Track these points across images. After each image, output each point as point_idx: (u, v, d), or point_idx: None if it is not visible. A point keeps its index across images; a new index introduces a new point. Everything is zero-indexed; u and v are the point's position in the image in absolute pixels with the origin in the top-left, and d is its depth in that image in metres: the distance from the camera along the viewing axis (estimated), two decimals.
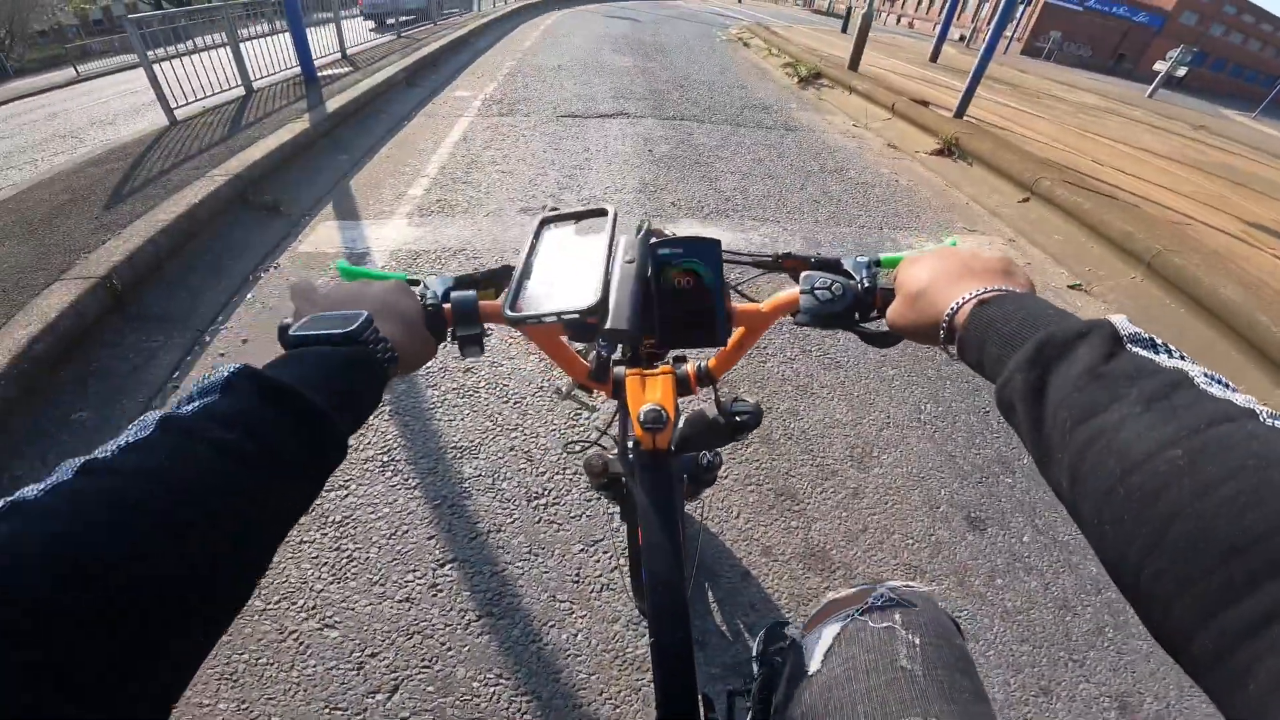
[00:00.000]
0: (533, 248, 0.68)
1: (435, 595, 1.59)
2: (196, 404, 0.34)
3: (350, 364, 0.44)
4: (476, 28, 10.39)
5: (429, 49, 7.86)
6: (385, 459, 1.96)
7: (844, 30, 16.23)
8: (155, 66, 4.64)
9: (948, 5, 11.77)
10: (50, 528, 0.25)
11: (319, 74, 6.15)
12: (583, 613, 1.57)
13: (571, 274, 0.64)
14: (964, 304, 0.46)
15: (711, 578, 1.68)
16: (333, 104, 5.10)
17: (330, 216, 3.53)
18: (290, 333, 0.46)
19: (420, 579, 1.63)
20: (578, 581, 1.64)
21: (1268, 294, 3.18)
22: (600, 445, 1.08)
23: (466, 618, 1.55)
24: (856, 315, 0.64)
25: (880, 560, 1.78)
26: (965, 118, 6.26)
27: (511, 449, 2.02)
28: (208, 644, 0.29)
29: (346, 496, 1.83)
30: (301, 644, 1.48)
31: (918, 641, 0.61)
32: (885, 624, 0.63)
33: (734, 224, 3.68)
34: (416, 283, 0.66)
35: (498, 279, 0.72)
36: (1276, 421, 0.26)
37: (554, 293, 0.61)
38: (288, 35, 5.91)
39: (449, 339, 0.65)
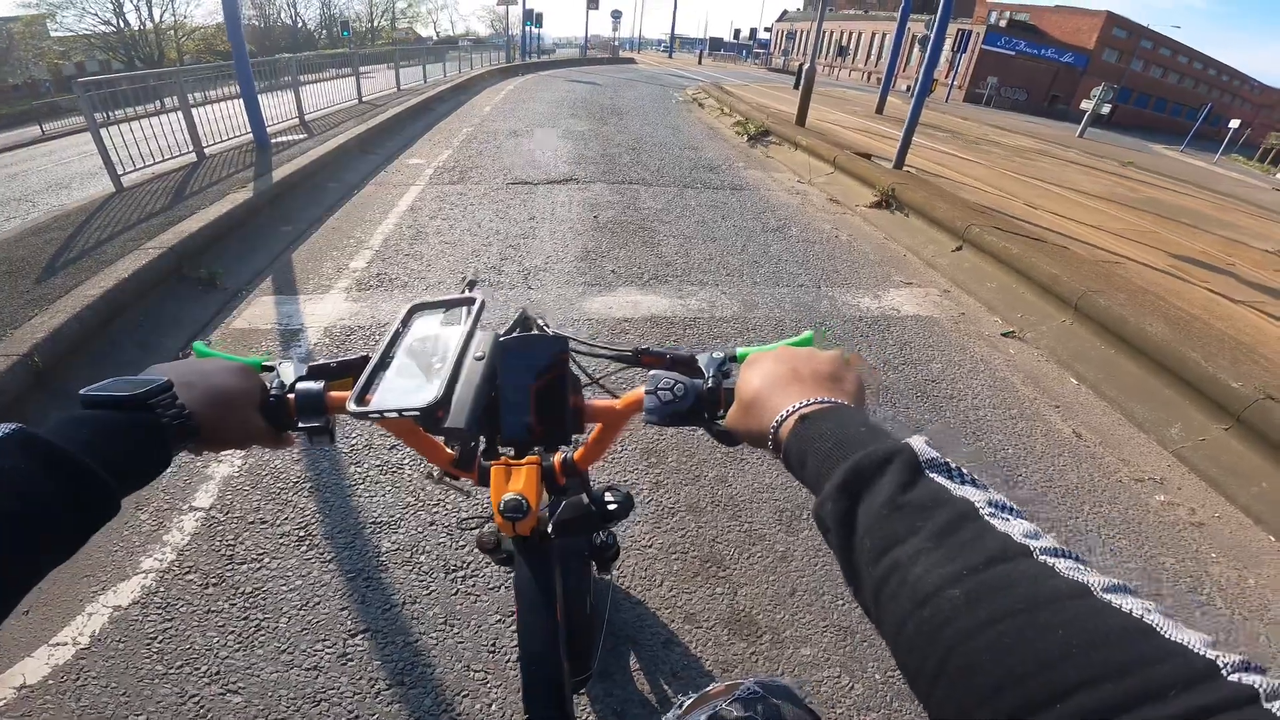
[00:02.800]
0: (396, 336, 0.67)
1: (345, 664, 1.56)
2: None
3: (132, 429, 0.45)
4: (438, 93, 10.70)
5: (388, 114, 8.05)
6: (301, 534, 1.93)
7: (796, 86, 17.12)
8: (106, 130, 4.66)
9: (889, 58, 12.52)
10: None
11: (272, 140, 6.22)
12: (497, 683, 1.54)
13: (424, 367, 0.63)
14: (788, 417, 0.47)
15: (634, 645, 1.65)
16: (280, 172, 5.14)
17: (268, 291, 3.50)
18: (80, 392, 0.46)
19: (330, 648, 1.60)
20: (493, 652, 1.62)
21: (1197, 328, 3.29)
22: (492, 521, 1.07)
23: (376, 686, 1.52)
24: (705, 414, 0.64)
25: (809, 623, 1.76)
26: (904, 168, 6.55)
27: (432, 523, 1.99)
28: None
29: (259, 569, 1.80)
30: (203, 708, 1.46)
31: None
32: (748, 714, 0.65)
33: (672, 289, 3.74)
34: (271, 368, 0.66)
35: (356, 369, 0.69)
36: (1048, 558, 0.28)
37: (403, 387, 0.61)
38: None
39: (295, 428, 0.64)
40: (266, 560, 1.83)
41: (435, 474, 1.04)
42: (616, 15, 41.91)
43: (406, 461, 2.24)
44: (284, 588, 1.75)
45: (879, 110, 13.17)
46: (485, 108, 10.43)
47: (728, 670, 1.61)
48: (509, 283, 3.66)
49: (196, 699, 1.47)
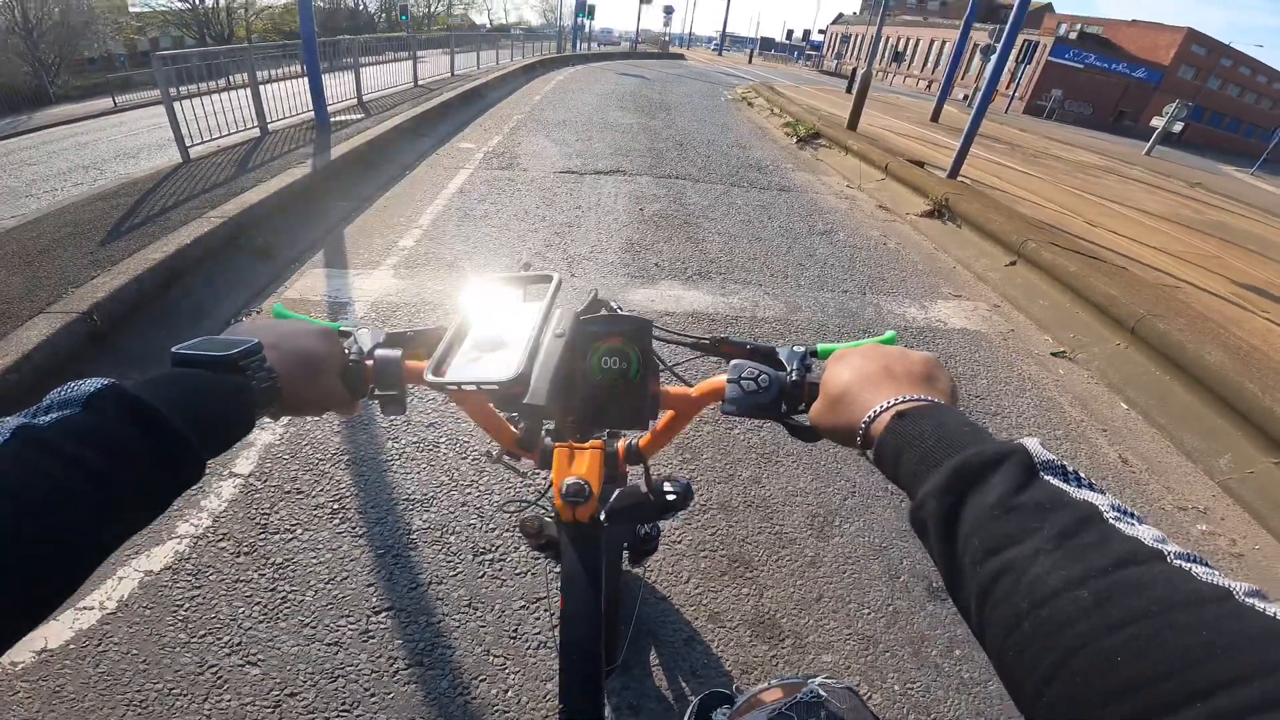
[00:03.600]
0: (470, 310, 0.68)
1: (366, 641, 1.57)
2: (55, 415, 0.34)
3: (222, 389, 0.44)
4: (490, 80, 10.83)
5: (441, 98, 8.19)
6: (335, 506, 1.95)
7: (849, 90, 16.78)
8: (178, 104, 4.83)
9: (949, 66, 12.16)
10: None
11: (331, 119, 6.39)
12: (516, 669, 1.54)
13: (501, 342, 0.63)
14: (882, 413, 0.46)
15: (655, 640, 1.64)
16: (337, 150, 5.28)
17: (319, 264, 3.60)
18: (172, 349, 0.46)
19: (353, 624, 1.61)
20: (515, 638, 1.61)
21: (1257, 359, 3.13)
22: (540, 506, 1.07)
23: (395, 665, 1.52)
24: (784, 407, 0.63)
25: (832, 629, 1.74)
26: (959, 178, 6.36)
27: (464, 504, 2.00)
28: (16, 637, 0.29)
29: (291, 540, 1.83)
30: (220, 678, 1.47)
31: None
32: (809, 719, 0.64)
33: (715, 286, 3.71)
34: (348, 334, 0.65)
35: (431, 340, 0.70)
36: (1182, 562, 0.27)
37: (480, 360, 0.61)
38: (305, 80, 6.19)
39: (369, 395, 0.64)
40: (299, 531, 1.85)
41: (495, 452, 1.04)
42: (669, 11, 41.77)
43: (443, 440, 2.27)
44: (314, 560, 1.77)
45: (934, 118, 12.82)
46: (536, 96, 10.52)
47: (747, 671, 1.60)
48: (553, 270, 3.69)
49: (215, 669, 1.48)
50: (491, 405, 0.81)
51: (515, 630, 1.63)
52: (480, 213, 4.50)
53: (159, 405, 0.37)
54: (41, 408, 0.35)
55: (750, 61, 37.81)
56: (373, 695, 1.45)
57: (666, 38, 47.07)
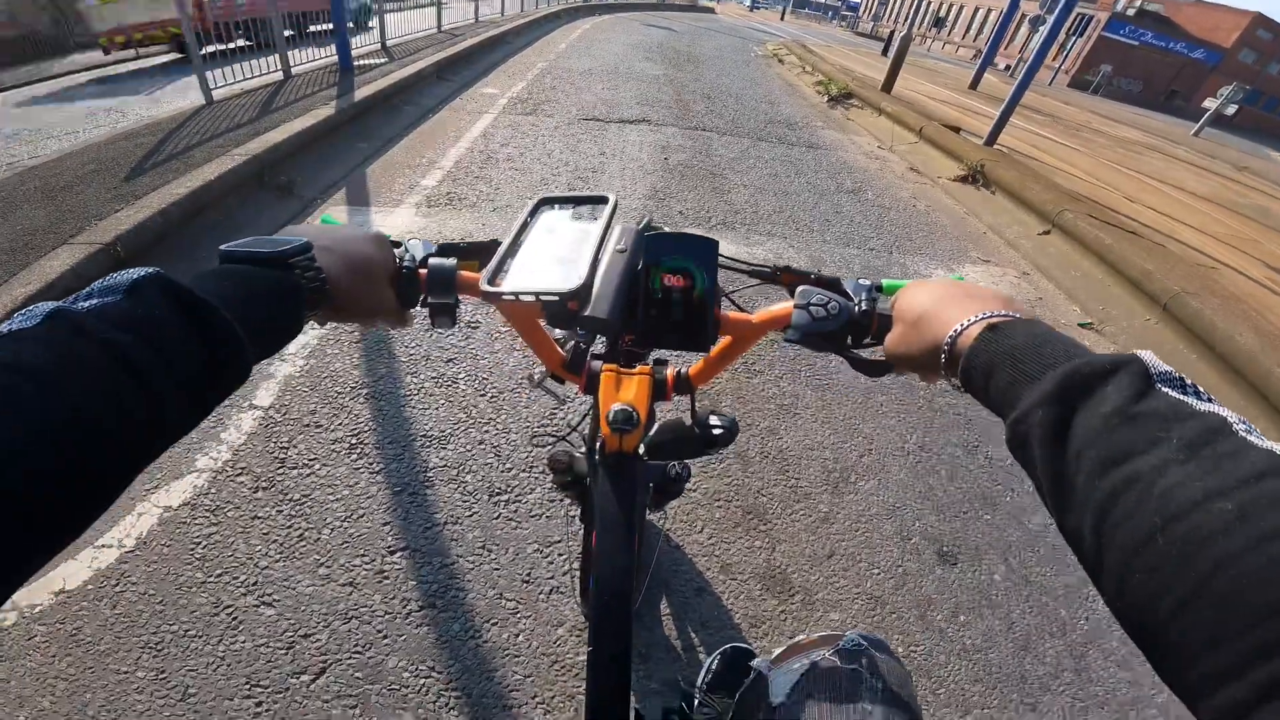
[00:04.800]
0: (524, 226, 0.66)
1: (380, 582, 1.58)
2: (94, 301, 0.32)
3: (271, 287, 0.42)
4: (514, 28, 10.53)
5: (465, 44, 7.99)
6: (353, 441, 1.96)
7: (884, 53, 16.11)
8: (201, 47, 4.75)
9: (994, 34, 11.62)
10: None
11: (355, 63, 6.27)
12: (528, 614, 1.54)
13: (559, 257, 0.62)
14: (969, 326, 0.43)
15: (666, 590, 1.64)
16: (361, 93, 5.19)
17: (340, 201, 3.59)
18: (220, 247, 0.44)
19: (368, 564, 1.62)
20: (528, 582, 1.61)
21: None
22: (568, 441, 1.06)
23: (408, 607, 1.53)
24: (850, 339, 0.61)
25: (842, 588, 1.74)
26: (996, 146, 6.15)
27: (481, 442, 2.01)
28: (47, 556, 0.27)
29: (309, 475, 1.83)
30: (234, 619, 1.48)
31: (879, 686, 0.63)
32: (852, 666, 0.65)
33: (739, 236, 3.65)
34: (399, 244, 0.64)
35: (482, 252, 0.69)
36: None
37: (537, 273, 0.60)
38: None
39: (420, 304, 0.63)
40: (317, 466, 1.85)
41: (536, 376, 1.02)
42: None
43: (461, 376, 2.27)
44: (330, 497, 1.76)
45: (973, 86, 12.30)
46: (560, 44, 10.22)
47: (756, 625, 1.60)
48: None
49: (230, 610, 1.47)
50: (542, 323, 0.78)
51: (529, 574, 1.63)
52: (503, 155, 4.44)
53: (207, 296, 0.35)
54: (82, 294, 0.33)
55: (782, 19, 36.31)
56: (385, 637, 1.46)
57: None
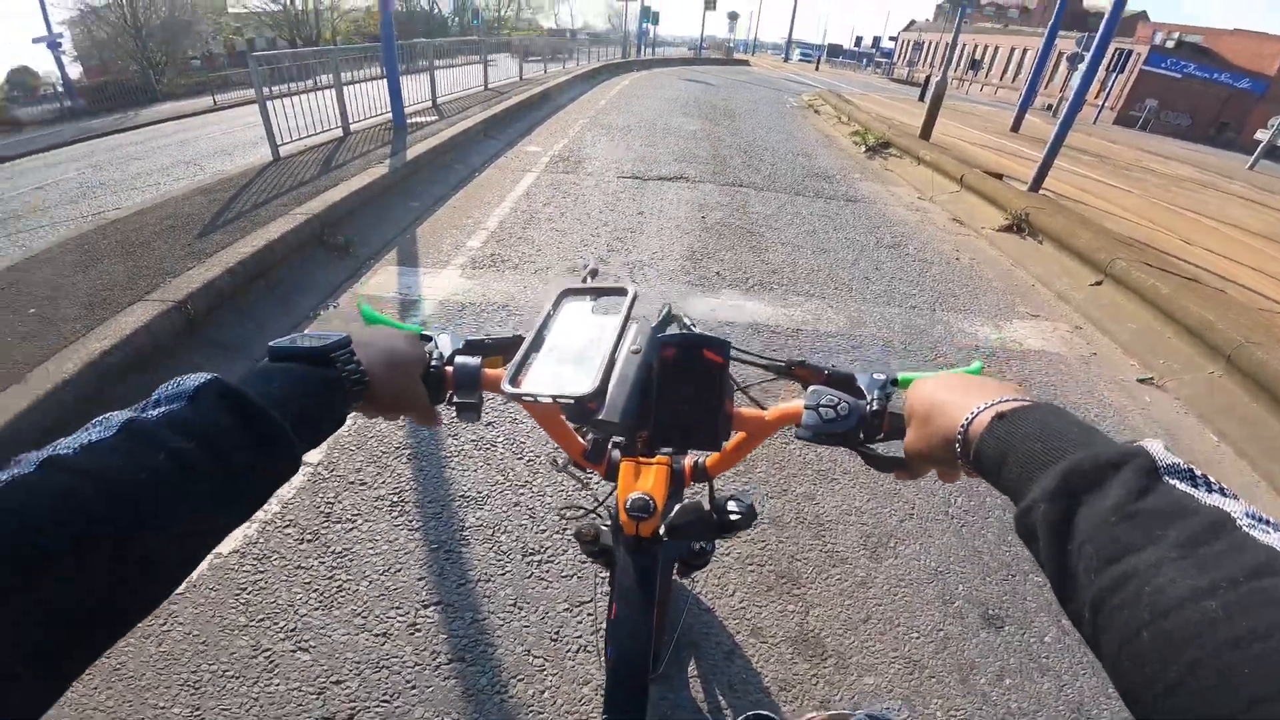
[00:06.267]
0: (547, 320, 0.68)
1: (412, 634, 1.61)
2: (161, 410, 0.35)
3: (316, 383, 0.45)
4: (556, 85, 11.05)
5: (510, 102, 8.42)
6: (395, 499, 2.02)
7: (921, 98, 16.24)
8: (270, 103, 5.14)
9: (1031, 74, 11.57)
10: (3, 521, 0.26)
11: (408, 120, 6.67)
12: (554, 671, 1.55)
13: (577, 355, 0.63)
14: (979, 414, 0.44)
15: (695, 651, 1.63)
16: (412, 151, 5.50)
17: (392, 262, 3.77)
18: (270, 344, 0.48)
19: (402, 616, 1.65)
20: (555, 640, 1.62)
21: None
22: (596, 514, 1.08)
23: (438, 659, 1.55)
24: (862, 435, 0.62)
25: (878, 652, 1.69)
26: (1041, 191, 6.04)
27: (517, 504, 2.04)
28: (101, 650, 0.30)
29: (351, 530, 1.90)
30: (271, 663, 1.53)
31: None
32: None
33: (776, 298, 3.65)
34: (429, 339, 0.66)
35: (507, 348, 0.72)
36: None
37: (558, 372, 0.61)
38: (385, 82, 6.48)
39: (447, 401, 0.65)
40: (360, 522, 1.92)
41: (560, 462, 1.05)
42: (733, 17, 41.57)
43: (500, 440, 2.31)
44: (371, 551, 1.82)
45: (1014, 128, 12.22)
46: (601, 101, 10.66)
47: (786, 688, 1.56)
48: (614, 276, 3.71)
49: (268, 653, 1.53)
50: (563, 416, 0.80)
51: (557, 633, 1.64)
52: (545, 216, 4.59)
53: (258, 399, 0.39)
54: (150, 401, 0.37)
55: (817, 69, 37.13)
56: (414, 687, 1.49)
57: (730, 44, 46.82)
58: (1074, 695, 1.61)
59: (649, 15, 27.67)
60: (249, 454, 0.37)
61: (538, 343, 0.65)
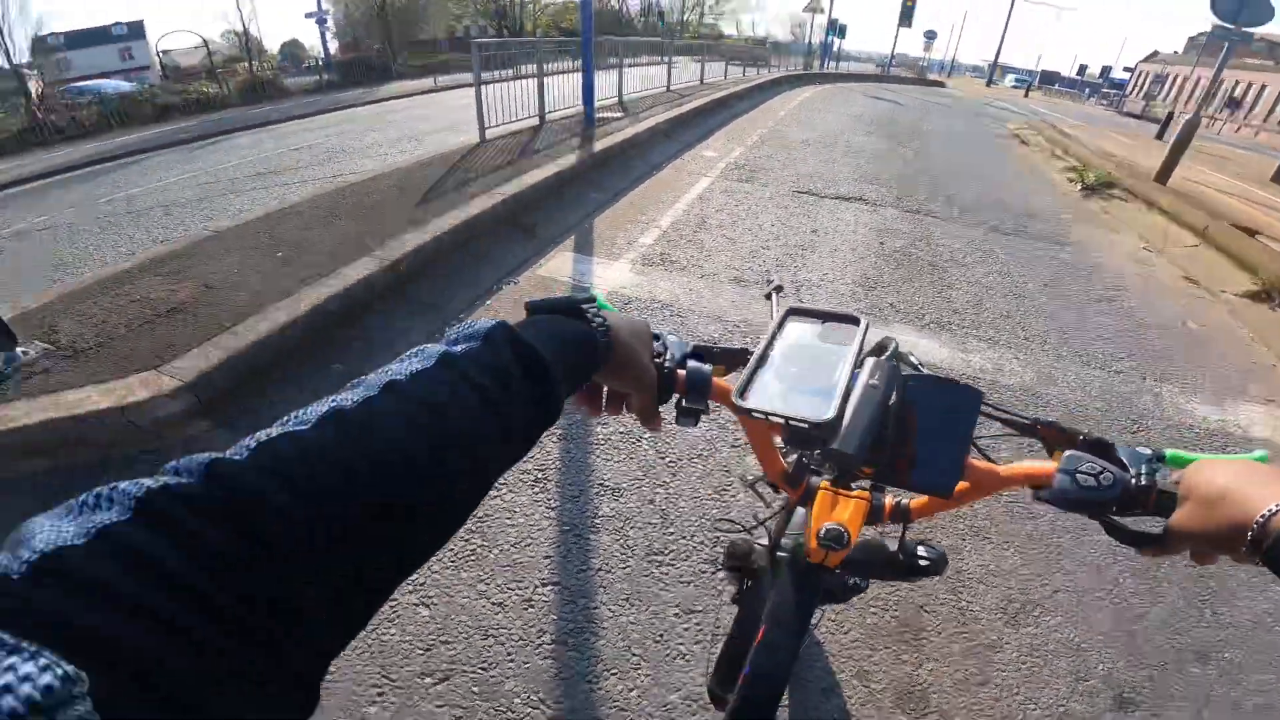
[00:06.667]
0: (773, 337, 0.69)
1: (525, 609, 1.68)
2: (463, 347, 0.39)
3: (575, 335, 0.48)
4: (735, 92, 11.03)
5: (690, 105, 8.57)
6: (539, 475, 2.13)
7: (1160, 136, 13.97)
8: (482, 89, 5.67)
9: None
10: (362, 439, 0.31)
11: (596, 117, 7.04)
12: (649, 671, 1.55)
13: (808, 378, 0.64)
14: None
15: (791, 682, 1.54)
16: (599, 144, 5.82)
17: (570, 248, 3.99)
18: (527, 301, 0.52)
19: (520, 590, 1.73)
20: (659, 642, 1.62)
21: None
22: (750, 534, 1.07)
23: (542, 638, 1.60)
24: (1115, 508, 0.57)
25: (986, 716, 1.54)
26: None
27: (651, 502, 2.05)
28: (410, 570, 0.34)
29: (495, 497, 2.01)
30: (395, 613, 1.63)
31: None
32: None
33: (955, 340, 3.33)
34: (658, 337, 0.67)
35: (731, 359, 0.74)
36: None
37: (787, 393, 0.62)
38: (578, 76, 6.88)
39: (670, 402, 0.65)
40: (504, 490, 2.02)
41: (749, 478, 1.07)
42: (930, 35, 38.65)
43: (645, 436, 2.33)
44: (507, 522, 1.91)
45: (1278, 178, 10.11)
46: (780, 112, 10.47)
47: None
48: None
49: (393, 603, 1.59)
50: (781, 437, 0.80)
51: (662, 635, 1.63)
52: (716, 222, 4.60)
53: (539, 347, 0.41)
54: (451, 338, 0.40)
55: (1026, 95, 33.36)
56: (512, 660, 1.54)
57: (924, 63, 43.69)
58: None
59: (836, 29, 26.61)
60: (528, 394, 0.40)
61: (765, 359, 0.66)
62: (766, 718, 0.63)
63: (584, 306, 0.51)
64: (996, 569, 1.96)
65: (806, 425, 0.58)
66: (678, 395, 0.66)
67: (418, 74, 20.83)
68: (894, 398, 0.64)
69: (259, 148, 8.90)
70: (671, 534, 1.94)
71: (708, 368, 0.66)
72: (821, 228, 4.69)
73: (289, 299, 2.87)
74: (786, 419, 0.58)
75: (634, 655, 1.59)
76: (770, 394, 0.62)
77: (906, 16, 29.60)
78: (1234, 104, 35.72)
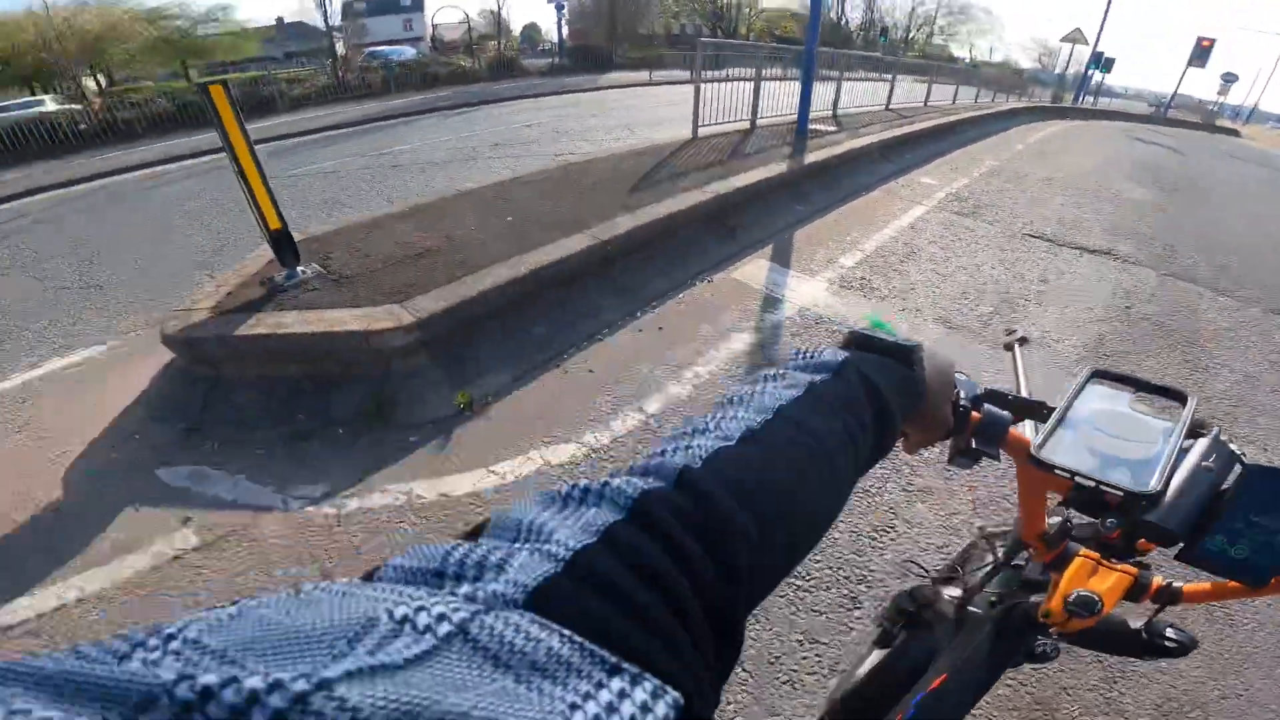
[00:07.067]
0: (1076, 395, 0.67)
1: None
2: (820, 377, 0.40)
3: (901, 380, 0.47)
4: (966, 118, 10.08)
5: (911, 128, 8.00)
6: None
7: None
8: (700, 86, 5.81)
9: None
10: (778, 463, 0.32)
11: (810, 127, 6.87)
12: (753, 689, 1.53)
13: (1120, 445, 0.61)
14: None
15: None
16: (810, 157, 5.66)
17: (766, 256, 3.97)
18: (850, 330, 0.51)
19: None
20: (772, 664, 1.59)
21: None
22: (935, 581, 1.03)
23: None
24: None
25: None
26: None
27: (854, 531, 2.01)
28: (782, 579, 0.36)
29: None
30: None
31: None
32: None
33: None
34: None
35: (1026, 409, 0.71)
36: None
37: (1095, 455, 0.60)
38: (795, 84, 6.74)
39: (962, 447, 0.64)
40: None
41: (986, 529, 0.99)
42: (1229, 79, 31.73)
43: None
44: None
45: None
46: (1017, 145, 9.39)
47: None
48: (993, 338, 3.27)
49: None
50: (1055, 495, 0.75)
51: (778, 658, 1.60)
52: (927, 254, 4.28)
53: (884, 389, 0.42)
54: (808, 364, 0.42)
55: None
56: None
57: (1215, 107, 36.19)
58: None
59: (1100, 62, 23.00)
60: (874, 430, 0.41)
61: (1065, 416, 0.64)
62: None
63: (911, 357, 0.50)
64: (1169, 670, 1.71)
65: (1122, 493, 0.55)
66: (968, 437, 0.64)
67: (635, 66, 21.86)
68: (1227, 484, 0.58)
69: (498, 121, 10.01)
70: (819, 562, 1.88)
71: (1007, 415, 0.63)
72: (1052, 279, 4.14)
73: (513, 259, 3.20)
74: (1098, 483, 0.56)
75: (743, 670, 1.59)
76: (1074, 452, 0.60)
77: (1201, 56, 24.81)
78: None
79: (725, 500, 0.27)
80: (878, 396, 0.41)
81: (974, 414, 0.63)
